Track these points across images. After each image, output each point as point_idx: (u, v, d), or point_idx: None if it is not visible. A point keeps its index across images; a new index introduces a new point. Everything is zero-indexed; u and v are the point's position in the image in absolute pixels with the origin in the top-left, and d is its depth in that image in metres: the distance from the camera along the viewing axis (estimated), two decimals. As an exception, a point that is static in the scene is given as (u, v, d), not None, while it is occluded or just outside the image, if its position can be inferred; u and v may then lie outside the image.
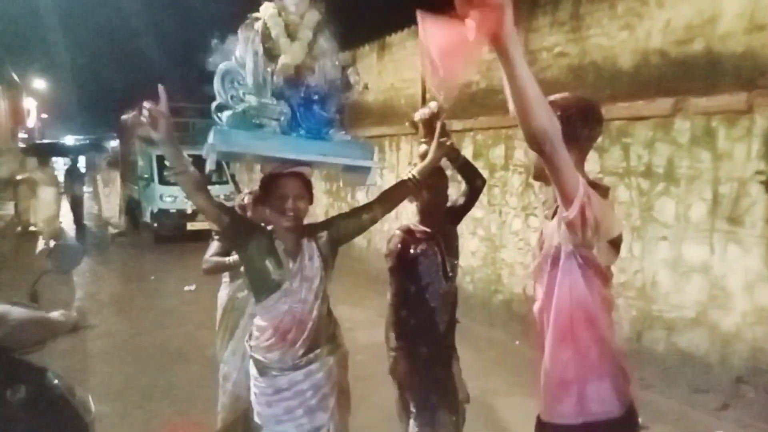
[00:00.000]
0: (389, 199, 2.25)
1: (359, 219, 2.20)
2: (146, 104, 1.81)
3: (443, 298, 2.55)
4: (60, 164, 17.90)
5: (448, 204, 2.74)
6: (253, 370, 2.17)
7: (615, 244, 1.66)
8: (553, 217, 1.70)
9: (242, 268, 2.18)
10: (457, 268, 2.67)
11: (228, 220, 2.01)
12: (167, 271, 8.44)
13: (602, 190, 1.65)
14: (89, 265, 8.57)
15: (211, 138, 1.96)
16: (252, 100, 2.00)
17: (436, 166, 2.36)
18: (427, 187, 2.49)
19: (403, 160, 7.80)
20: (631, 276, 4.59)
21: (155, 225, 10.67)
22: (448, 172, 2.69)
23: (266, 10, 2.06)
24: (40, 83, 25.83)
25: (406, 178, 2.27)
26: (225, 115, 2.02)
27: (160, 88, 1.85)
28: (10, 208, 12.55)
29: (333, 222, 2.21)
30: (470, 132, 6.31)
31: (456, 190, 2.78)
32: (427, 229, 2.59)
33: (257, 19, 2.05)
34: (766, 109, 3.70)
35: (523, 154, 5.67)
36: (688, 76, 4.19)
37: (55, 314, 2.09)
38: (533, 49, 5.52)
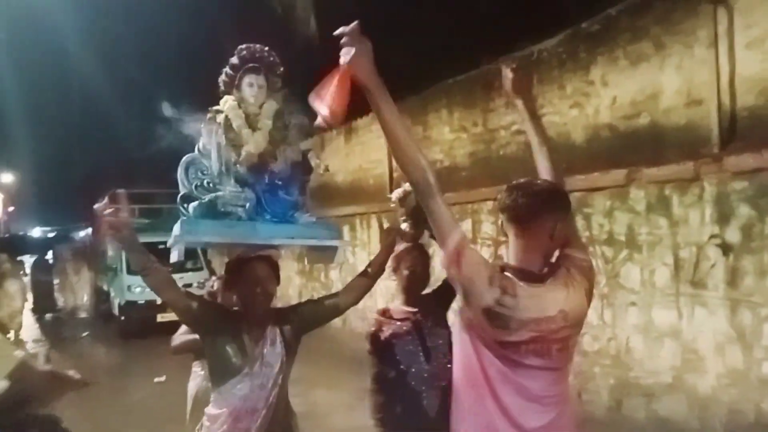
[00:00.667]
0: (352, 290, 2.27)
1: (324, 308, 2.21)
2: (106, 213, 1.78)
3: (430, 382, 2.45)
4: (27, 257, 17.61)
5: (437, 286, 2.62)
6: None
7: (496, 319, 1.55)
8: None
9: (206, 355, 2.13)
10: (447, 348, 2.58)
11: (196, 307, 1.98)
12: (136, 364, 8.12)
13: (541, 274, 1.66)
14: (54, 362, 8.20)
15: (177, 230, 1.97)
16: (217, 189, 2.05)
17: (391, 252, 2.40)
18: (405, 266, 2.49)
19: (374, 236, 7.87)
20: (605, 343, 4.61)
21: (122, 318, 10.22)
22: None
23: (226, 103, 2.15)
24: (6, 177, 25.68)
25: (364, 270, 2.30)
26: (191, 206, 2.04)
27: (120, 193, 1.86)
28: None
29: (298, 309, 2.19)
30: (438, 208, 6.45)
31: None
32: (408, 309, 2.54)
33: (219, 111, 2.13)
34: (713, 176, 3.91)
35: (490, 227, 5.80)
36: (637, 148, 4.43)
37: (70, 371, 2.20)
38: (492, 127, 5.80)
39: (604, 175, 4.58)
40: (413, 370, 2.41)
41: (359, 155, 8.25)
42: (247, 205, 2.05)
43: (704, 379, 3.96)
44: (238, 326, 2.04)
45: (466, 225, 6.09)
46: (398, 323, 2.49)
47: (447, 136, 6.45)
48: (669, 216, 4.16)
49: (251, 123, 2.11)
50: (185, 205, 2.06)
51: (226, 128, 2.08)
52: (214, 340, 2.02)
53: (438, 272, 2.64)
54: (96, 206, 1.79)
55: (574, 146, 4.95)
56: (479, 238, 5.94)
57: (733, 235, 3.80)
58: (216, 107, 2.16)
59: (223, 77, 2.19)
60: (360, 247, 8.09)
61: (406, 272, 2.51)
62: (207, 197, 2.04)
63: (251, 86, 2.15)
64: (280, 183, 2.10)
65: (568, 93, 5.01)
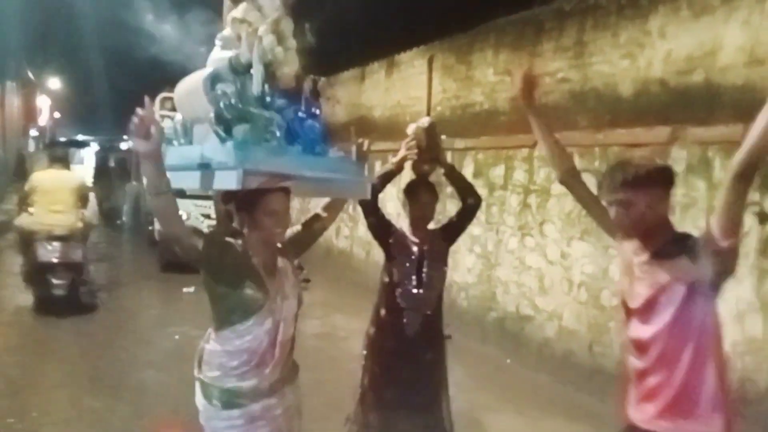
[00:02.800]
0: (335, 209, 2.26)
1: (313, 232, 2.22)
2: (139, 110, 1.63)
3: (414, 303, 2.62)
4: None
5: (444, 221, 2.81)
6: (213, 404, 1.96)
7: None
8: (655, 257, 1.84)
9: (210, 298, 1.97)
10: (439, 283, 2.70)
11: (203, 244, 1.84)
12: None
13: None
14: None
15: (231, 154, 1.74)
16: (248, 111, 1.86)
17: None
18: (411, 201, 2.61)
19: (406, 173, 7.87)
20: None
21: (164, 248, 8.06)
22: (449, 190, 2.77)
23: (248, 13, 1.95)
24: (54, 82, 26.17)
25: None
26: (238, 129, 1.83)
27: (147, 100, 1.68)
28: None
29: (292, 239, 2.15)
30: (472, 151, 6.39)
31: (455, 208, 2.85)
32: (413, 239, 2.67)
33: (243, 21, 1.94)
34: (762, 142, 3.75)
35: (522, 174, 5.74)
36: (686, 106, 4.26)
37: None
38: (537, 73, 5.61)
39: (648, 132, 4.44)
40: (403, 288, 2.60)
41: (399, 91, 8.14)
42: (278, 132, 1.90)
43: (719, 344, 3.95)
44: (250, 262, 1.94)
45: (499, 170, 6.04)
46: (405, 240, 2.70)
47: (490, 78, 6.29)
48: (708, 179, 4.04)
49: (280, 40, 1.93)
50: (222, 127, 1.85)
51: (268, 44, 1.89)
52: (226, 280, 1.90)
53: (448, 209, 2.71)
54: (138, 111, 1.65)
55: (620, 99, 4.78)
56: (510, 184, 5.90)
57: (773, 204, 3.69)
58: (238, 15, 1.96)
59: None
60: (390, 183, 8.10)
61: (413, 206, 2.65)
62: (259, 120, 1.86)
63: None
64: (313, 112, 1.99)
65: (622, 42, 4.79)
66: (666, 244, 1.84)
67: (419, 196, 2.68)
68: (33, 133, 21.85)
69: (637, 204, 1.81)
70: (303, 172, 1.91)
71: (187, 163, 1.91)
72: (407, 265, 2.64)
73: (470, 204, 2.76)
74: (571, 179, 2.15)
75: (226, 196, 2.01)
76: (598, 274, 4.88)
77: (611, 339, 4.68)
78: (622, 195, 1.83)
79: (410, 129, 2.68)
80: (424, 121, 2.68)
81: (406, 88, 7.98)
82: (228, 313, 1.93)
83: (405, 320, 2.61)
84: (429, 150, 2.62)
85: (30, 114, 22.19)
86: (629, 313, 1.91)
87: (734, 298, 3.86)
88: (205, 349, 2.02)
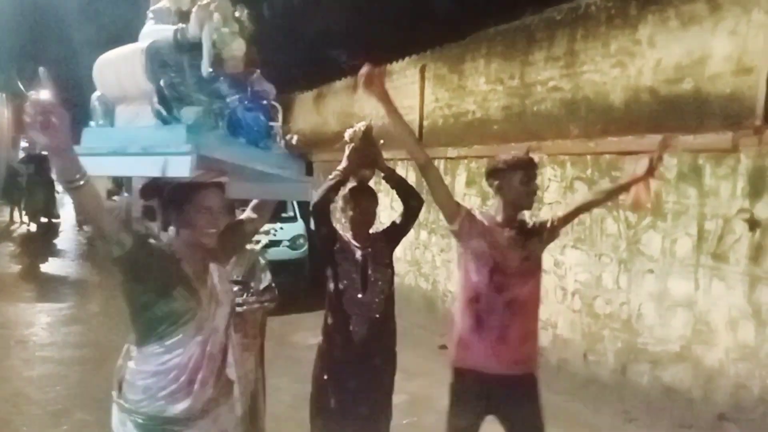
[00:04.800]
0: (267, 209, 2.11)
1: (247, 234, 2.08)
2: (32, 96, 1.38)
3: (360, 309, 2.60)
4: None
5: (387, 225, 2.78)
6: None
7: None
8: (519, 233, 2.49)
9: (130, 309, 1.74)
10: (385, 286, 2.65)
11: (131, 243, 1.60)
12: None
13: None
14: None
15: (182, 137, 1.56)
16: (191, 93, 1.66)
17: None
18: (352, 206, 2.60)
19: (399, 185, 7.88)
20: (617, 308, 4.63)
21: None
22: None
23: None
24: (45, 94, 26.04)
25: None
26: (187, 110, 1.63)
27: (41, 71, 1.46)
28: None
29: (222, 239, 1.91)
30: (464, 160, 6.41)
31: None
32: (356, 244, 2.66)
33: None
34: (751, 149, 3.79)
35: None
36: (676, 114, 4.30)
37: None
38: (529, 82, 5.66)
39: (639, 140, 4.46)
40: (348, 294, 2.58)
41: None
42: (220, 121, 1.71)
43: (713, 351, 3.96)
44: (179, 266, 1.72)
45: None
46: (348, 245, 2.65)
47: (482, 87, 6.32)
48: (699, 186, 4.07)
49: (225, 21, 1.73)
50: (165, 107, 1.63)
51: (213, 21, 1.68)
52: (152, 286, 1.67)
53: (388, 214, 2.72)
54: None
55: (611, 107, 4.82)
56: (503, 193, 5.91)
57: (763, 211, 3.71)
58: None
59: None
60: (384, 192, 8.11)
61: (353, 212, 2.63)
62: (210, 104, 1.69)
63: None
64: (258, 101, 1.80)
65: (612, 51, 4.83)
66: (521, 224, 2.48)
67: (360, 201, 2.66)
68: (23, 144, 21.70)
69: (533, 179, 2.43)
70: (249, 165, 1.74)
71: (116, 147, 1.67)
72: (351, 270, 2.62)
73: (413, 206, 2.71)
74: (430, 164, 2.41)
75: (148, 191, 1.80)
76: (592, 282, 4.89)
77: (605, 347, 4.69)
78: (526, 171, 2.40)
79: (347, 134, 2.64)
80: (361, 125, 2.65)
81: (398, 97, 7.97)
82: (154, 325, 1.69)
83: (351, 327, 2.59)
84: (368, 154, 2.60)
85: (20, 126, 22.09)
86: (503, 275, 2.37)
87: (726, 306, 3.88)
88: (126, 367, 1.77)
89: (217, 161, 1.66)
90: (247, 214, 2.08)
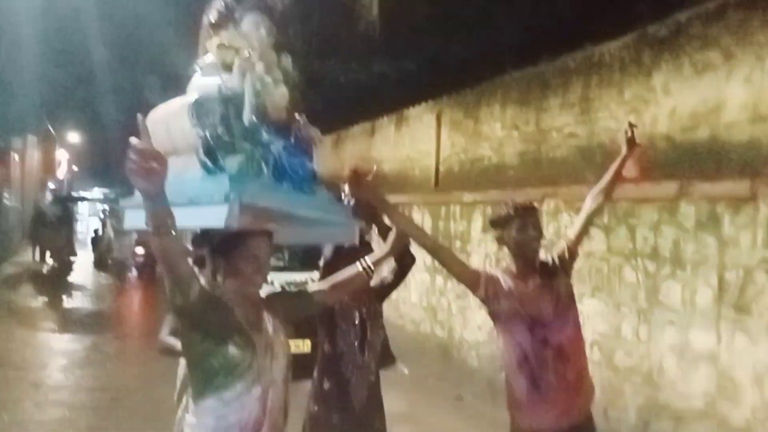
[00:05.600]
0: (342, 288, 2.04)
1: (310, 302, 1.98)
2: (134, 142, 1.38)
3: (359, 372, 2.50)
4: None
5: (376, 282, 2.64)
6: None
7: None
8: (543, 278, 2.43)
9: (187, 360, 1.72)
10: (379, 346, 2.57)
11: (196, 292, 1.60)
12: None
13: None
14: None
15: (225, 188, 1.56)
16: (236, 142, 1.69)
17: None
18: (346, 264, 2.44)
19: (415, 228, 7.87)
20: (637, 360, 4.47)
21: None
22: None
23: (234, 39, 1.81)
24: (74, 136, 26.89)
25: (360, 268, 2.03)
26: (231, 160, 1.66)
27: (139, 118, 1.45)
28: None
29: (285, 299, 1.96)
30: (480, 205, 6.38)
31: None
32: (354, 304, 2.57)
33: (233, 48, 1.80)
34: (771, 198, 3.70)
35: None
36: (693, 162, 4.24)
37: None
38: (544, 128, 5.66)
39: (655, 187, 4.41)
40: (348, 357, 2.47)
41: (408, 145, 8.23)
42: (265, 168, 1.73)
43: (739, 409, 3.77)
44: (232, 313, 1.71)
45: (508, 225, 6.00)
46: (345, 308, 2.53)
47: (498, 133, 6.35)
48: (718, 235, 3.96)
49: (267, 71, 1.79)
50: (210, 158, 1.66)
51: (255, 72, 1.74)
52: (211, 334, 1.66)
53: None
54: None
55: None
56: (519, 239, 5.85)
57: (785, 262, 3.60)
58: (226, 42, 1.81)
59: (218, 6, 1.85)
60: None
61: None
62: (253, 152, 1.70)
63: (258, 27, 1.81)
64: (303, 148, 1.83)
65: (627, 99, 4.83)
66: (542, 267, 2.41)
67: (354, 251, 2.54)
68: (51, 185, 22.33)
69: (531, 226, 2.35)
70: (294, 211, 1.74)
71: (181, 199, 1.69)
72: (350, 332, 2.52)
73: (406, 264, 2.61)
74: (438, 246, 2.43)
75: (199, 240, 1.81)
76: (611, 333, 4.74)
77: (626, 403, 4.51)
78: (527, 218, 2.35)
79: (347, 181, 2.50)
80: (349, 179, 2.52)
81: (415, 143, 8.08)
82: (211, 377, 1.68)
83: (350, 391, 2.47)
84: (365, 206, 2.39)
85: (49, 167, 22.78)
86: (543, 326, 2.29)
87: (751, 360, 3.72)
88: (185, 420, 1.76)
89: (262, 209, 1.66)
90: (322, 289, 2.01)
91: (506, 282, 2.36)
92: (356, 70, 9.67)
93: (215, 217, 1.56)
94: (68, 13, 10.20)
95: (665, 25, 4.59)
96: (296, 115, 1.90)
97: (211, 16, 1.86)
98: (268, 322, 1.80)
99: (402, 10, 7.55)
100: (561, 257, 2.47)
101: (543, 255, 2.51)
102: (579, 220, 2.65)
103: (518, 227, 2.33)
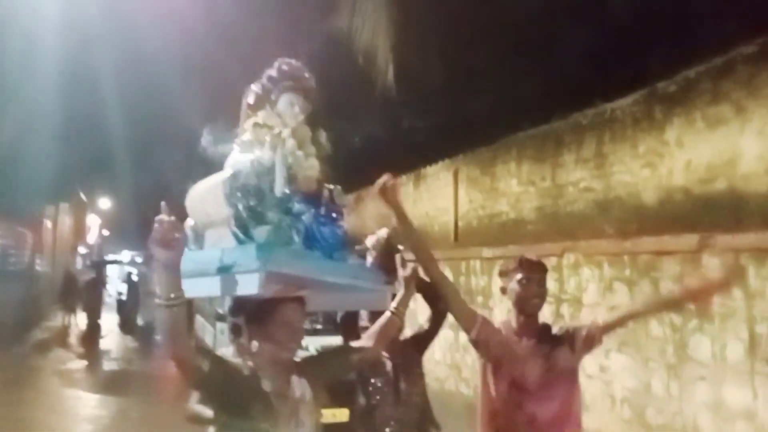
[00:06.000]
0: (379, 338, 2.06)
1: (348, 359, 2.01)
2: (162, 217, 1.54)
3: (394, 423, 2.46)
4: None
5: (414, 330, 2.64)
6: None
7: None
8: (541, 342, 2.31)
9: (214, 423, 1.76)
10: (418, 397, 2.51)
11: (209, 365, 1.65)
12: None
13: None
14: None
15: (252, 257, 1.65)
16: (268, 214, 1.79)
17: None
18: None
19: (437, 285, 7.86)
20: (670, 418, 4.33)
21: None
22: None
23: (269, 119, 1.95)
24: (104, 202, 27.76)
25: (389, 313, 2.07)
26: (260, 230, 1.76)
27: (163, 205, 1.57)
28: None
29: (322, 361, 1.99)
30: (499, 260, 6.36)
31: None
32: (386, 354, 2.56)
33: (266, 126, 1.93)
34: (795, 249, 3.67)
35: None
36: (712, 213, 4.24)
37: None
38: (560, 183, 5.73)
39: (676, 239, 4.39)
40: (382, 408, 2.43)
41: (426, 202, 8.35)
42: (296, 237, 1.82)
43: (781, 469, 3.61)
44: (258, 383, 1.73)
45: (529, 280, 5.98)
46: (377, 361, 2.49)
47: (515, 189, 6.42)
48: (744, 287, 3.91)
49: (300, 146, 1.92)
50: (241, 229, 1.77)
51: (289, 148, 1.88)
52: (230, 407, 1.69)
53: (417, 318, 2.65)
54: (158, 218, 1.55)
55: (644, 207, 4.80)
56: (542, 294, 5.81)
57: (816, 313, 3.52)
58: (261, 121, 1.96)
59: (256, 89, 2.00)
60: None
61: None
62: (281, 222, 1.79)
63: (292, 106, 1.95)
64: (333, 216, 1.93)
65: (641, 153, 4.89)
66: (544, 331, 2.31)
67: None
68: (81, 250, 22.88)
69: (534, 282, 2.27)
70: (323, 278, 1.79)
71: (199, 269, 1.77)
72: (382, 384, 2.51)
73: (441, 310, 2.56)
74: (443, 278, 2.36)
75: (236, 307, 1.87)
76: (641, 389, 4.62)
77: (661, 462, 4.34)
78: (532, 273, 2.29)
79: (369, 241, 2.60)
80: (383, 232, 2.64)
81: (433, 200, 8.19)
82: None
83: None
84: (387, 260, 2.51)
85: (80, 233, 23.41)
86: (520, 390, 2.21)
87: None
88: None
89: (292, 276, 1.72)
90: (360, 344, 2.03)
91: (500, 333, 2.32)
92: (374, 131, 9.96)
93: (243, 285, 1.65)
94: (102, 82, 10.77)
95: (674, 82, 4.71)
96: (329, 185, 2.01)
97: (250, 98, 2.00)
98: (298, 388, 1.81)
99: (416, 73, 7.83)
100: (577, 333, 2.31)
101: (555, 324, 2.43)
102: (617, 315, 2.50)
103: (520, 280, 2.29)
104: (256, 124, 1.93)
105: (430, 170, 8.21)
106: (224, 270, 1.70)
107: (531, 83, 6.71)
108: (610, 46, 5.92)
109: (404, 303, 2.12)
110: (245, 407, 1.69)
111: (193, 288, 1.71)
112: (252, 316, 1.79)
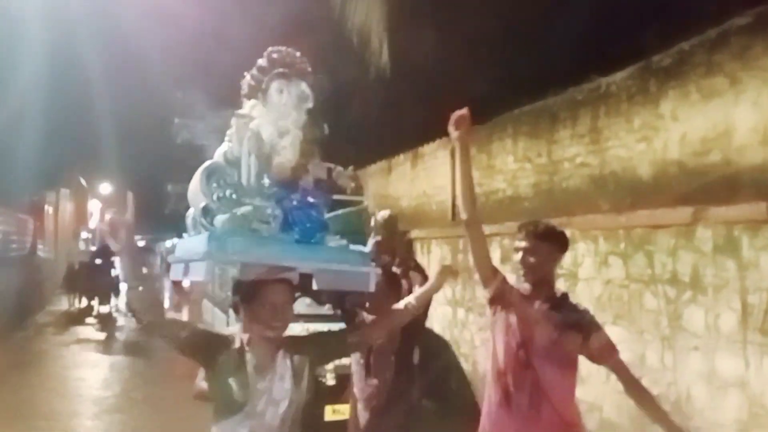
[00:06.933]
0: (385, 326, 2.11)
1: (346, 346, 2.07)
2: (108, 214, 1.80)
3: (364, 396, 2.55)
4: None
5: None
6: None
7: None
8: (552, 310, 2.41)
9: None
10: (386, 376, 2.61)
11: (185, 335, 1.83)
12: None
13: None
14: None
15: (202, 245, 1.77)
16: (242, 202, 1.86)
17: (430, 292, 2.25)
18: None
19: (434, 261, 7.89)
20: (665, 388, 4.38)
21: None
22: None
23: (254, 108, 1.98)
24: (105, 187, 27.76)
25: (403, 305, 2.11)
26: (219, 219, 1.85)
27: (129, 195, 1.83)
28: None
29: (316, 340, 2.02)
30: (497, 237, 6.40)
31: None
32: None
33: (248, 117, 1.97)
34: (788, 219, 3.68)
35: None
36: (706, 186, 4.24)
37: None
38: (556, 159, 5.73)
39: (670, 212, 4.41)
40: (356, 376, 2.56)
41: (424, 181, 8.36)
42: (273, 222, 1.87)
43: (773, 436, 3.67)
44: (242, 357, 1.84)
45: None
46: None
47: (510, 166, 6.43)
48: (738, 258, 3.93)
49: (281, 133, 1.95)
50: (207, 219, 1.88)
51: (258, 136, 1.92)
52: (213, 372, 1.84)
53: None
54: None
55: (639, 181, 4.81)
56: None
57: (808, 282, 3.55)
58: (243, 112, 2.01)
59: (248, 80, 2.03)
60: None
61: (377, 295, 2.57)
62: (238, 210, 1.85)
63: (281, 93, 1.97)
64: (310, 201, 1.94)
65: (636, 127, 4.88)
66: (561, 300, 2.40)
67: (381, 286, 2.62)
68: (84, 235, 22.92)
69: (536, 252, 2.33)
70: (292, 262, 1.87)
71: (179, 255, 1.97)
72: (362, 357, 2.62)
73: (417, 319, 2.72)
74: (476, 223, 2.42)
75: (234, 289, 1.96)
76: (636, 361, 4.66)
77: (655, 432, 4.40)
78: (526, 242, 2.34)
79: (376, 219, 2.70)
80: (383, 214, 2.74)
81: (430, 178, 8.19)
82: (215, 409, 1.86)
83: (358, 413, 2.56)
84: (388, 241, 2.64)
85: (81, 218, 23.44)
86: (528, 351, 2.29)
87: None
88: None
89: (257, 261, 1.84)
90: (362, 328, 2.15)
91: (518, 292, 2.40)
92: (370, 111, 9.93)
93: (196, 272, 1.83)
94: (101, 67, 10.76)
95: (669, 55, 4.68)
96: (330, 165, 2.10)
97: (243, 88, 2.06)
98: (281, 367, 1.88)
99: (410, 53, 7.79)
100: (594, 335, 2.35)
101: (576, 304, 2.49)
102: (627, 373, 2.55)
103: (516, 247, 2.40)
104: (236, 114, 2.00)
105: (426, 149, 8.20)
106: (190, 258, 1.88)
107: (526, 59, 6.68)
108: (604, 20, 5.88)
109: (422, 298, 2.13)
110: (223, 375, 1.82)
111: (174, 272, 1.95)
112: (243, 296, 1.90)
